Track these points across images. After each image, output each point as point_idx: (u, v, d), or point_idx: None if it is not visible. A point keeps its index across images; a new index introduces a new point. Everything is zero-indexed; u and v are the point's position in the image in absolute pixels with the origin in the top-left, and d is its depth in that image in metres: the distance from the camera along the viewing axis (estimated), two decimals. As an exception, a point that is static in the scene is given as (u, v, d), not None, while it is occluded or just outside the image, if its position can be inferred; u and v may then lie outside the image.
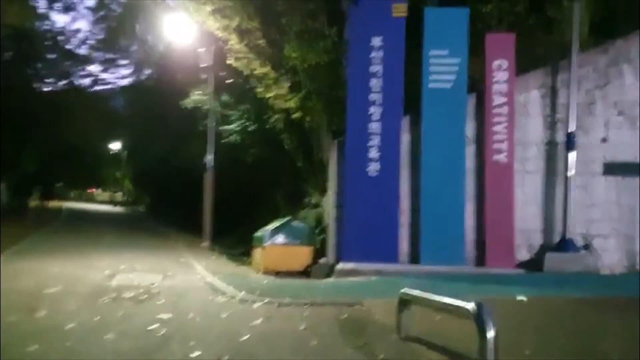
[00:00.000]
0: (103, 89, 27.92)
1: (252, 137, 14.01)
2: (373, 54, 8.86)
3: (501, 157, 8.59)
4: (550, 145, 8.72)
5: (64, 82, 23.91)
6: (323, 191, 10.79)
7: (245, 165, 14.74)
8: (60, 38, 22.18)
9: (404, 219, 8.77)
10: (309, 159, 12.17)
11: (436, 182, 8.63)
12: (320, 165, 11.54)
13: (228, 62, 11.56)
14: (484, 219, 8.57)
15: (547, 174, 8.74)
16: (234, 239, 14.22)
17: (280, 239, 9.52)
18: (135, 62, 27.31)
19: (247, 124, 13.32)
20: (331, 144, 9.49)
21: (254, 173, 15.08)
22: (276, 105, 11.41)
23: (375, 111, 8.70)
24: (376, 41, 8.79)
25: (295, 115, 11.12)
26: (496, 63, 8.69)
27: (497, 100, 8.61)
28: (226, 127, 13.67)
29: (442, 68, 8.73)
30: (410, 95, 9.21)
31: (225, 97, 14.40)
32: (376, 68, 8.78)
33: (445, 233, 8.48)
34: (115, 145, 42.05)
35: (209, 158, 13.85)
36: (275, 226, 9.86)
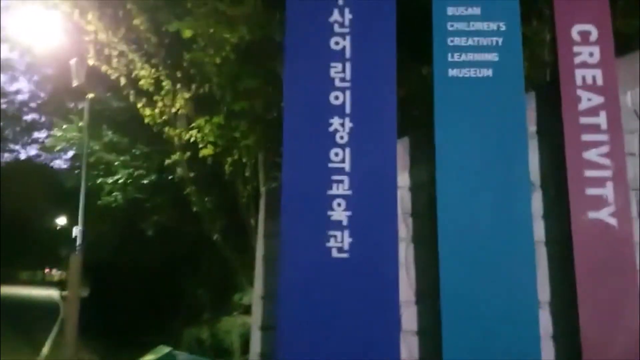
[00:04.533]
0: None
1: (153, 195, 9.99)
2: (334, 20, 5.16)
3: (603, 214, 4.82)
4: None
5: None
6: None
7: (145, 239, 10.62)
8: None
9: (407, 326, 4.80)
10: (235, 229, 8.20)
11: (472, 265, 4.58)
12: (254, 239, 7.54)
13: (105, 69, 7.87)
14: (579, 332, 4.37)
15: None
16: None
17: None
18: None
19: (138, 172, 9.32)
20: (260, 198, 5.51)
21: (159, 252, 10.92)
22: (172, 135, 7.63)
23: (339, 128, 4.58)
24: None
25: (206, 153, 7.32)
26: (578, 30, 5.10)
27: (586, 101, 4.82)
28: (107, 179, 9.58)
29: (473, 41, 4.97)
30: (409, 96, 5.57)
31: (109, 134, 10.36)
32: (340, 46, 4.74)
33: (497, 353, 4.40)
34: (61, 220, 38.14)
35: (78, 231, 9.65)
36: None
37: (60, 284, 46.48)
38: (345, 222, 4.42)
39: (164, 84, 7.41)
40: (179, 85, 7.27)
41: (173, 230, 10.05)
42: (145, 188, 9.92)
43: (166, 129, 7.82)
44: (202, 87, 7.16)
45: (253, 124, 7.06)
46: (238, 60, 6.60)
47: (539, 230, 4.61)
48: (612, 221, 4.40)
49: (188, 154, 7.79)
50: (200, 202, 8.39)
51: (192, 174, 8.24)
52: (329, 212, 4.45)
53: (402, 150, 4.89)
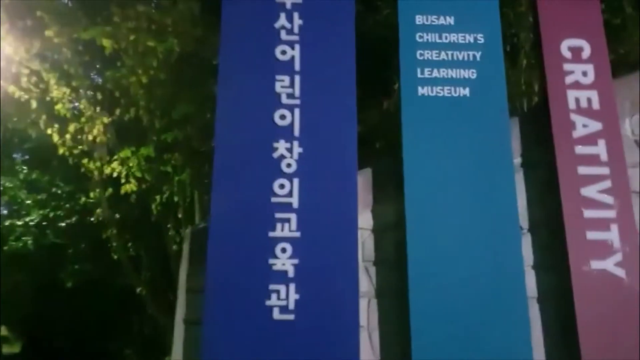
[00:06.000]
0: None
1: (74, 240, 8.75)
2: (281, 26, 4.19)
3: (608, 264, 3.88)
4: None
5: None
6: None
7: (65, 292, 9.32)
8: None
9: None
10: (165, 282, 7.09)
11: (451, 326, 3.49)
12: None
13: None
14: None
15: None
16: None
17: None
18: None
19: (56, 213, 8.16)
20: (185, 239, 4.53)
21: (81, 307, 9.56)
22: (92, 169, 6.64)
23: (285, 154, 3.73)
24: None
25: (128, 189, 6.34)
26: (569, 45, 4.37)
27: (581, 128, 4.00)
28: (17, 221, 8.36)
29: (446, 55, 4.12)
30: (369, 120, 4.82)
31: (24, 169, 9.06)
32: (287, 56, 3.94)
33: None
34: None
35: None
36: None
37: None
38: (291, 274, 3.52)
39: (81, 106, 6.43)
40: (98, 109, 6.35)
41: (99, 281, 8.83)
42: (65, 232, 8.75)
43: (84, 161, 6.83)
44: (127, 112, 6.26)
45: (188, 156, 6.16)
46: (170, 81, 5.78)
47: (530, 283, 3.82)
48: (619, 272, 3.65)
49: (110, 190, 6.80)
50: (122, 248, 7.28)
51: (117, 215, 7.21)
52: (271, 260, 3.54)
53: (364, 183, 4.09)
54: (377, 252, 3.97)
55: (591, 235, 3.71)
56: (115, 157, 6.29)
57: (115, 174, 6.33)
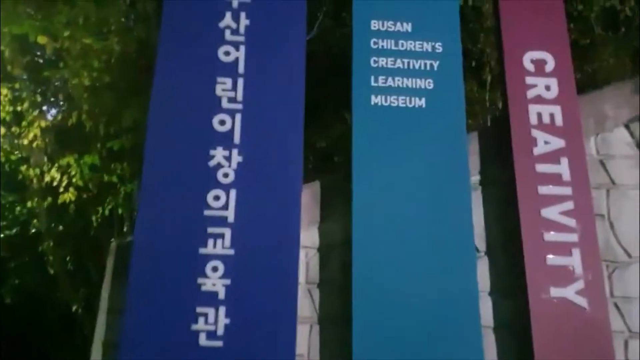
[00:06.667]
0: None
1: (16, 253, 8.19)
2: (226, 25, 3.74)
3: (569, 292, 3.31)
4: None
5: None
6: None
7: (5, 309, 8.73)
8: None
9: None
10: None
11: (402, 355, 3.38)
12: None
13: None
14: None
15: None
16: None
17: None
18: None
19: (-5, 225, 7.69)
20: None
21: (23, 326, 8.99)
22: (30, 176, 6.21)
23: (223, 162, 3.42)
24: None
25: (66, 198, 5.92)
26: (531, 58, 4.08)
27: (543, 145, 3.72)
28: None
29: (402, 63, 3.80)
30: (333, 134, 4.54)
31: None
32: (231, 57, 3.65)
33: None
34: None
35: None
36: None
37: None
38: (221, 295, 3.19)
39: (18, 108, 6.03)
40: (37, 112, 5.99)
41: (39, 297, 8.29)
42: (8, 244, 8.23)
43: (22, 167, 6.42)
44: (69, 117, 5.89)
45: (137, 166, 5.81)
46: (116, 85, 5.43)
47: (486, 310, 3.55)
48: (581, 301, 3.38)
49: (49, 200, 6.39)
50: (59, 262, 6.82)
51: (56, 227, 6.77)
52: (200, 280, 3.22)
53: (311, 197, 3.82)
54: (322, 273, 3.66)
55: (551, 260, 3.44)
56: (55, 164, 5.92)
57: (55, 183, 5.96)
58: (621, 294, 3.62)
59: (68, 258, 6.69)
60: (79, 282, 6.49)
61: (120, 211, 5.96)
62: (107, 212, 5.96)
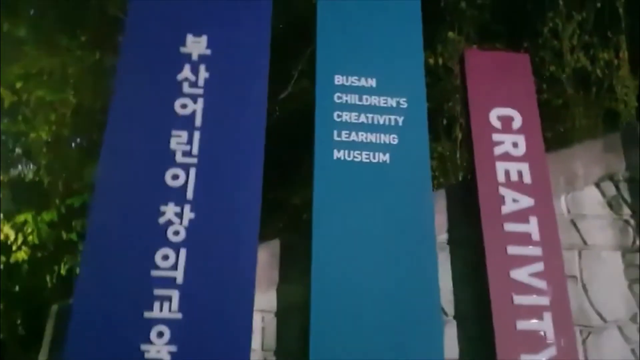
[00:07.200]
0: None
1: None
2: (184, 78, 3.59)
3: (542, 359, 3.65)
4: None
5: None
6: None
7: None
8: None
9: None
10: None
11: None
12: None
13: None
14: None
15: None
16: None
17: None
18: None
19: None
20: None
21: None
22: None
23: (174, 220, 3.20)
24: (194, 44, 3.73)
25: (19, 257, 5.57)
26: (498, 114, 4.02)
27: (511, 203, 3.61)
28: None
29: (366, 118, 3.72)
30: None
31: None
32: (188, 109, 3.48)
33: None
34: None
35: None
36: None
37: None
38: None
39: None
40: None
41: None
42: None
43: (-24, 225, 6.19)
44: (24, 171, 5.70)
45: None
46: (76, 139, 5.27)
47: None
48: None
49: (3, 259, 6.09)
50: (10, 327, 6.44)
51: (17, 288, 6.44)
52: (143, 347, 2.91)
53: (269, 257, 3.64)
54: (279, 340, 3.46)
55: (522, 325, 3.27)
56: (13, 221, 5.68)
57: (9, 241, 5.70)
58: (596, 361, 3.45)
59: (19, 321, 6.35)
60: (31, 348, 6.11)
61: (78, 271, 5.69)
62: (63, 271, 5.72)
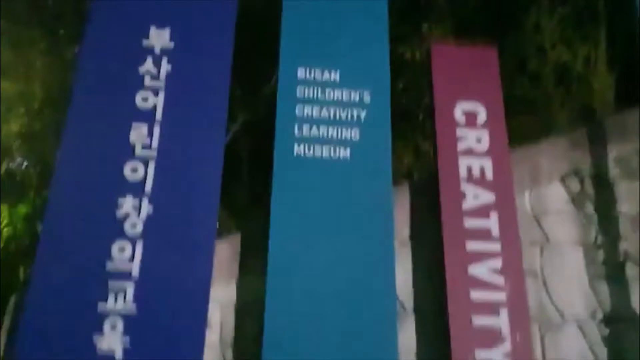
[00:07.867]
0: None
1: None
2: (145, 71, 3.60)
3: (496, 355, 3.11)
4: (613, 323, 3.65)
5: None
6: None
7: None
8: None
9: None
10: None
11: None
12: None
13: None
14: None
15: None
16: None
17: None
18: None
19: None
20: None
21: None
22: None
23: (130, 212, 3.22)
24: (157, 36, 3.73)
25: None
26: (463, 109, 3.92)
27: (472, 199, 3.62)
28: None
29: (328, 112, 3.69)
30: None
31: None
32: (149, 102, 3.50)
33: None
34: None
35: None
36: None
37: None
38: (118, 355, 2.93)
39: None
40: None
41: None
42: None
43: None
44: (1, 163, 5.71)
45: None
46: (49, 131, 5.26)
47: (411, 374, 3.39)
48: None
49: (-24, 252, 6.12)
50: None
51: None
52: (96, 338, 3.00)
53: (230, 250, 3.66)
54: (237, 333, 3.49)
55: (478, 320, 3.29)
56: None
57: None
58: (554, 357, 3.48)
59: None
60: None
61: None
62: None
